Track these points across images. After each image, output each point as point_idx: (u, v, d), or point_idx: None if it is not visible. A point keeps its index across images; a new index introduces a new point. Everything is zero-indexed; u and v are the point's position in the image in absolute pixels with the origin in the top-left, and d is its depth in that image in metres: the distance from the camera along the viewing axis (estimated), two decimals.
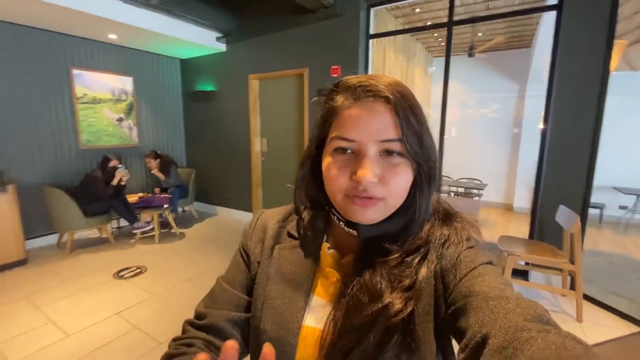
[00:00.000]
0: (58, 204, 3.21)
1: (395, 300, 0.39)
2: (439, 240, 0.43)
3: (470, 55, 4.63)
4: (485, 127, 6.31)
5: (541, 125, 2.63)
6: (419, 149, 0.41)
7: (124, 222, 4.15)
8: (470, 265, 0.40)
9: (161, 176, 4.07)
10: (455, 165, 6.34)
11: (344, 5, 3.21)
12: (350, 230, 0.45)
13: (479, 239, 0.45)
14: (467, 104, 6.42)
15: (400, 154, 0.40)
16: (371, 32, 3.34)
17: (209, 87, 4.54)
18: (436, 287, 0.41)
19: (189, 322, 0.52)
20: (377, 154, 0.40)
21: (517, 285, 2.60)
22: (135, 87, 4.29)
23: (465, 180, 6.17)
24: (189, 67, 4.78)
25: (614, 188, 4.68)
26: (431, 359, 0.39)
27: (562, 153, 2.54)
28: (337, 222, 0.46)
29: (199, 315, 0.52)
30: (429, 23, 4.59)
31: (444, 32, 5.10)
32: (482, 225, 5.02)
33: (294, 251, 0.51)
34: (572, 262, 2.23)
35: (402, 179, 0.41)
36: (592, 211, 4.47)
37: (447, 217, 0.47)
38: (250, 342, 0.51)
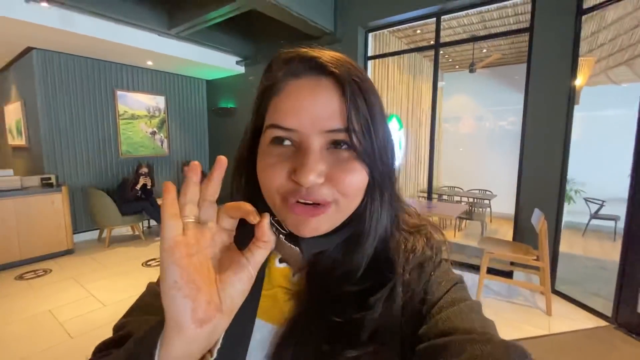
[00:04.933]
0: (100, 203, 3.80)
1: (358, 355, 0.32)
2: (405, 262, 0.37)
3: (471, 71, 4.88)
4: (497, 139, 6.42)
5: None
6: (369, 145, 0.33)
7: (153, 222, 4.71)
8: (441, 289, 0.36)
9: None
10: (467, 176, 6.49)
11: (344, 31, 3.65)
12: (292, 245, 0.37)
13: (443, 246, 0.40)
14: (479, 117, 6.58)
15: (350, 147, 0.33)
16: (369, 54, 3.74)
17: (230, 104, 5.12)
18: (402, 322, 0.35)
19: (99, 345, 0.39)
20: (322, 148, 0.33)
21: (499, 282, 2.81)
22: (167, 104, 4.94)
23: (476, 192, 6.23)
24: (213, 87, 5.41)
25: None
26: None
27: (536, 161, 2.76)
28: (277, 234, 0.37)
29: (116, 329, 0.41)
30: (432, 42, 4.93)
31: (450, 49, 5.43)
32: (494, 234, 5.12)
33: None
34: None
35: (355, 177, 0.33)
36: (607, 223, 4.59)
37: (407, 224, 0.40)
38: None
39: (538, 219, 2.51)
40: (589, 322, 2.34)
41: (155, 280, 0.46)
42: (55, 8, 2.92)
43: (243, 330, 0.36)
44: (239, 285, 0.28)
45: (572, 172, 2.70)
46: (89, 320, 2.31)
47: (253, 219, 0.28)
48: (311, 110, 0.32)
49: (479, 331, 0.31)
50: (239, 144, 0.41)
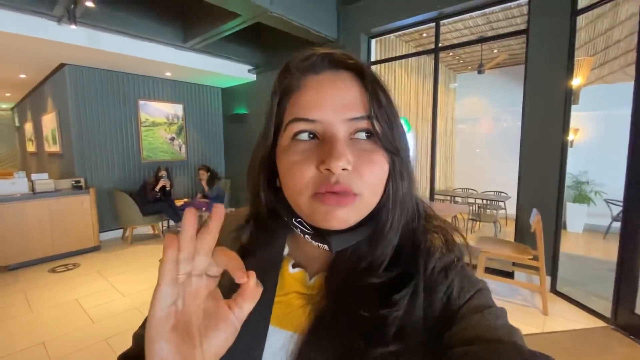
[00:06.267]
0: (123, 204, 4.13)
1: (382, 355, 0.31)
2: (426, 261, 0.36)
3: (480, 72, 4.87)
4: (514, 140, 6.27)
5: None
6: (390, 132, 0.34)
7: (172, 223, 5.02)
8: (464, 295, 0.34)
9: (206, 187, 4.87)
10: (483, 178, 6.40)
11: (347, 39, 3.79)
12: (320, 245, 0.36)
13: (463, 249, 0.39)
14: (494, 117, 6.47)
15: (372, 137, 0.34)
16: (372, 59, 3.86)
17: (243, 111, 5.37)
18: (424, 327, 0.33)
19: (121, 356, 0.40)
20: (347, 137, 0.33)
21: (499, 282, 2.82)
22: (185, 112, 5.27)
23: (491, 194, 6.10)
24: (228, 94, 5.70)
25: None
26: None
27: (535, 161, 2.77)
28: (302, 235, 0.37)
29: (135, 339, 0.41)
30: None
31: (459, 50, 5.42)
32: (506, 236, 5.04)
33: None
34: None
35: (379, 169, 0.34)
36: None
37: (429, 224, 0.40)
38: None
39: (534, 219, 2.52)
40: (587, 322, 2.33)
41: None
42: (84, 28, 3.26)
43: (255, 338, 0.35)
44: (223, 343, 0.26)
45: (591, 172, 2.66)
46: (110, 308, 2.57)
47: (240, 277, 0.25)
48: (333, 100, 0.33)
49: (505, 340, 0.29)
50: (253, 149, 0.40)
